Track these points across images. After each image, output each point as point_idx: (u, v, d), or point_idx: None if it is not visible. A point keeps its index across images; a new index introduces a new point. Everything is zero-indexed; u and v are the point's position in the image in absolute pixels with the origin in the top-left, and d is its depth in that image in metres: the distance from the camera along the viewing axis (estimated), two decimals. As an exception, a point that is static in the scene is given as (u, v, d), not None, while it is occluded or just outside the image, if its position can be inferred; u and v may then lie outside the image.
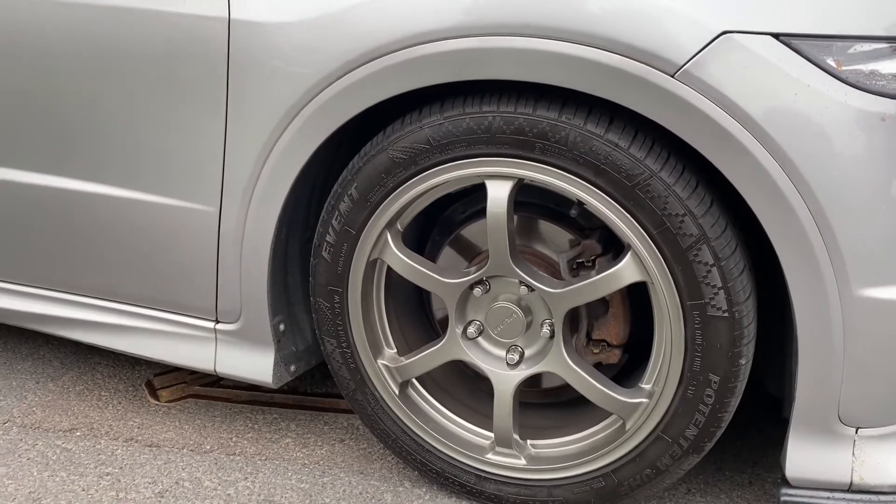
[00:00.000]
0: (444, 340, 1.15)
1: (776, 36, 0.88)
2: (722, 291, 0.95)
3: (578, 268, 1.10)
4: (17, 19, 1.20)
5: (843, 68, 0.88)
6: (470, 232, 1.20)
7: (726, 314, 0.96)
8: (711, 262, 0.95)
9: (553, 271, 1.12)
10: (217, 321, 1.30)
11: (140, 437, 1.44)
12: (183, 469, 1.33)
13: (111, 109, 1.19)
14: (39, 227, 1.33)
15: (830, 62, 0.88)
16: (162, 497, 1.26)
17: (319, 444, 1.41)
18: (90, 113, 1.21)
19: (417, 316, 1.29)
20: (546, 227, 1.14)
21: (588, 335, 1.14)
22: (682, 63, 0.88)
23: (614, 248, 1.09)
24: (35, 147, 1.27)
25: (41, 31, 1.19)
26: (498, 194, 1.03)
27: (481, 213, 1.09)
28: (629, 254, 1.00)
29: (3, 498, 1.27)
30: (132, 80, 1.16)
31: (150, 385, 1.63)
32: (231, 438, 1.43)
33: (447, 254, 1.22)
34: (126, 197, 1.24)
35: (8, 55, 1.23)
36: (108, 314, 1.39)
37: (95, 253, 1.32)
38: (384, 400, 1.20)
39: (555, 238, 1.14)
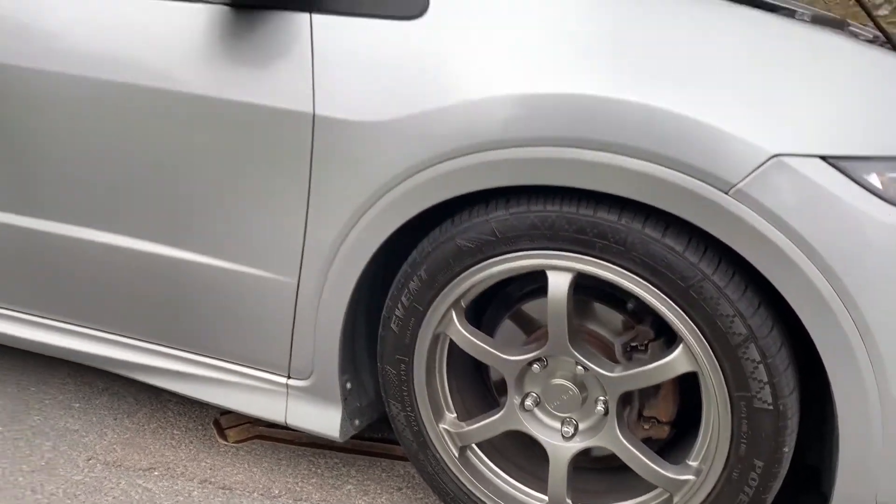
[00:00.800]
0: (502, 411, 1.24)
1: (823, 158, 0.95)
2: (767, 386, 1.03)
3: (632, 351, 1.18)
4: (136, 108, 1.31)
5: (887, 188, 0.95)
6: (530, 308, 1.28)
7: (771, 407, 1.04)
8: (758, 359, 1.02)
9: (608, 351, 1.20)
10: (289, 377, 1.40)
11: (213, 479, 1.55)
12: (255, 513, 1.45)
13: (205, 189, 1.30)
14: (141, 287, 1.44)
15: (874, 182, 0.95)
16: (238, 542, 1.37)
17: (379, 491, 1.51)
18: (189, 191, 1.32)
19: (476, 381, 1.38)
20: (603, 309, 1.22)
21: (640, 412, 1.22)
22: (736, 182, 0.96)
23: (666, 334, 1.16)
24: (144, 218, 1.38)
25: (155, 116, 1.30)
26: (558, 284, 1.12)
27: (541, 291, 1.17)
28: (681, 346, 1.07)
29: (93, 536, 1.39)
30: (227, 163, 1.26)
31: (217, 424, 1.75)
32: (297, 483, 1.54)
33: (506, 326, 1.31)
34: (214, 265, 1.34)
35: (128, 140, 1.34)
36: (190, 365, 1.50)
37: (184, 311, 1.43)
38: (444, 461, 1.30)
39: (611, 320, 1.22)
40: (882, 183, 0.95)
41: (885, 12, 4.51)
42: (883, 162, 0.96)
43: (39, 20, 1.38)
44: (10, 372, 1.95)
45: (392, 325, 1.25)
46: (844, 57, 1.04)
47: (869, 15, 1.34)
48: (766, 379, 1.03)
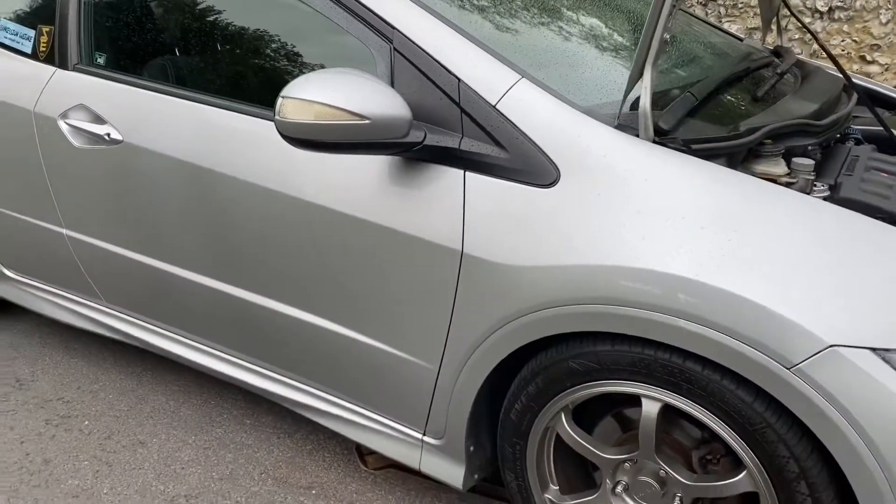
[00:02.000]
0: (597, 493, 1.55)
1: (873, 350, 1.18)
2: (814, 515, 1.29)
3: (707, 462, 1.46)
4: (326, 225, 1.67)
5: (926, 378, 1.17)
6: (628, 411, 1.56)
7: (816, 531, 1.29)
8: (807, 492, 1.28)
9: (688, 458, 1.48)
10: (424, 434, 1.76)
11: (357, 502, 1.94)
12: (392, 538, 1.83)
13: (375, 291, 1.65)
14: (323, 351, 1.82)
15: (916, 372, 1.18)
16: (380, 562, 1.76)
17: (490, 529, 1.86)
18: (365, 291, 1.67)
19: (578, 460, 1.68)
20: (688, 425, 1.49)
21: (709, 508, 1.50)
22: (797, 362, 1.21)
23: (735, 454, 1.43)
24: (331, 304, 1.75)
25: (340, 233, 1.66)
26: (650, 410, 1.40)
27: (637, 400, 1.46)
28: (745, 471, 1.34)
29: (270, 541, 1.82)
30: (395, 276, 1.60)
31: (359, 450, 2.14)
32: (424, 514, 1.91)
33: (606, 421, 1.60)
34: (379, 346, 1.70)
35: (293, 242, 1.72)
36: (343, 410, 1.89)
37: (350, 372, 1.81)
38: (547, 524, 1.63)
39: (693, 434, 1.49)
40: (923, 370, 1.18)
41: (885, 20, 4.33)
42: (925, 355, 1.18)
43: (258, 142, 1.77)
44: (195, 386, 2.42)
45: (511, 415, 1.58)
46: (888, 247, 1.25)
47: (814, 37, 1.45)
48: (812, 509, 1.28)
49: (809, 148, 1.72)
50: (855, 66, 5.11)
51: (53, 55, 2.16)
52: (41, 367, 2.53)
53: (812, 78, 2.04)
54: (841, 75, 1.66)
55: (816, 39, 1.47)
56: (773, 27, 2.46)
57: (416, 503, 1.94)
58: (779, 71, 2.03)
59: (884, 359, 1.18)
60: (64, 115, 2.08)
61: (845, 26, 4.99)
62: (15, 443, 2.16)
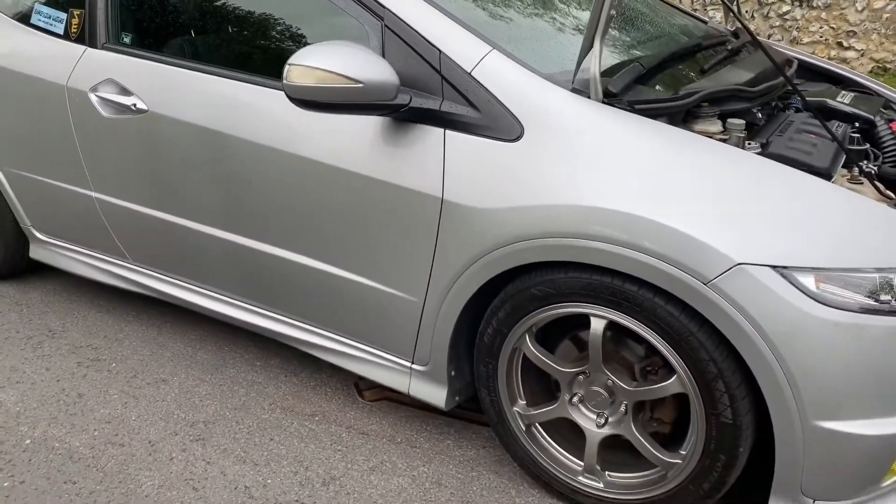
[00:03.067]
0: (556, 404, 1.82)
1: (773, 267, 1.45)
2: (730, 409, 1.55)
3: (647, 373, 1.72)
4: (322, 177, 1.94)
5: (817, 290, 1.44)
6: (582, 334, 1.83)
7: (732, 422, 1.56)
8: (724, 390, 1.55)
9: (630, 371, 1.75)
10: (412, 362, 2.03)
11: (355, 426, 2.22)
12: (384, 453, 2.10)
13: (364, 235, 1.92)
14: (317, 291, 2.10)
15: (810, 286, 1.44)
16: (373, 471, 2.03)
17: (469, 446, 2.13)
18: (353, 234, 1.95)
19: (541, 377, 1.95)
20: (632, 343, 1.76)
21: (651, 412, 1.77)
22: (712, 278, 1.47)
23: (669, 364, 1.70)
24: (324, 247, 2.02)
25: (336, 184, 1.93)
26: (597, 327, 1.67)
27: (589, 324, 1.72)
28: (675, 376, 1.61)
29: (278, 457, 2.09)
30: (383, 220, 1.87)
31: (357, 386, 2.41)
32: (413, 435, 2.18)
33: (566, 344, 1.87)
34: (368, 283, 1.97)
35: (299, 196, 1.99)
36: (341, 344, 2.16)
37: (344, 309, 2.08)
38: (515, 433, 1.90)
39: (634, 349, 1.76)
40: (814, 285, 1.44)
41: (861, 7, 4.57)
42: (815, 271, 1.44)
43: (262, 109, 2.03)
44: (210, 335, 2.70)
45: (485, 339, 1.84)
46: (799, 190, 1.52)
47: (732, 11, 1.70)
48: (728, 403, 1.55)
49: (759, 115, 1.98)
50: (832, 52, 5.36)
51: (84, 35, 2.43)
52: (71, 320, 2.81)
53: (756, 53, 2.29)
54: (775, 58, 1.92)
55: (739, 18, 1.71)
56: (735, 8, 2.71)
57: (406, 426, 2.22)
58: (729, 48, 2.29)
59: (782, 275, 1.45)
60: (94, 89, 2.35)
61: (823, 14, 5.24)
62: (52, 381, 2.43)
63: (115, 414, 2.27)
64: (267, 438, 2.16)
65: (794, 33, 5.28)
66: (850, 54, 5.17)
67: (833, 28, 5.25)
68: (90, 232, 2.63)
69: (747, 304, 1.46)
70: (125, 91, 2.29)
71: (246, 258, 2.22)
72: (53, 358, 2.56)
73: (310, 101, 1.69)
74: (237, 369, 2.50)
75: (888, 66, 5.02)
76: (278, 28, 2.12)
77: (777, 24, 5.33)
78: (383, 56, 1.83)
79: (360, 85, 1.66)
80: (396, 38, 1.82)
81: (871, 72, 5.01)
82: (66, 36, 2.48)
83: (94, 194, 2.51)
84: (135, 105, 2.26)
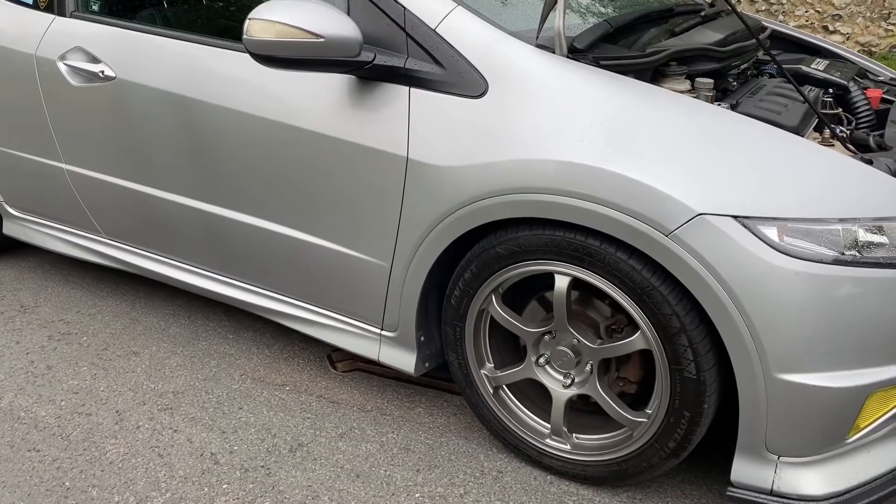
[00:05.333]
0: (523, 365, 1.80)
1: (735, 217, 1.43)
2: (693, 363, 1.53)
3: (612, 331, 1.71)
4: (286, 139, 1.92)
5: (779, 241, 1.42)
6: (549, 294, 1.81)
7: (695, 377, 1.54)
8: (687, 344, 1.53)
9: (596, 330, 1.73)
10: (382, 329, 2.01)
11: (326, 396, 2.20)
12: (353, 420, 2.08)
13: (328, 197, 1.90)
14: (284, 258, 2.08)
15: (771, 235, 1.42)
16: (342, 438, 2.01)
17: (440, 414, 2.11)
18: (317, 196, 1.93)
19: (510, 340, 1.93)
20: (596, 301, 1.74)
21: (617, 372, 1.75)
22: (673, 229, 1.45)
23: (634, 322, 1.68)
24: (287, 211, 2.00)
25: (299, 144, 1.90)
26: (561, 284, 1.65)
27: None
28: (639, 332, 1.59)
29: (246, 425, 2.06)
30: (347, 182, 1.85)
31: (330, 358, 2.39)
32: (383, 403, 2.16)
33: (533, 305, 1.85)
34: (334, 248, 1.95)
35: (266, 160, 1.96)
36: (311, 313, 2.14)
37: (311, 277, 2.06)
38: (483, 396, 1.88)
39: (599, 308, 1.74)
40: (777, 236, 1.43)
41: None
42: (778, 221, 1.43)
43: (222, 67, 2.01)
44: (183, 309, 2.67)
45: (452, 301, 1.83)
46: (764, 142, 1.50)
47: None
48: (692, 358, 1.53)
49: (732, 81, 1.96)
50: (818, 36, 5.36)
51: (52, 4, 2.40)
52: (44, 295, 2.78)
53: (727, 17, 2.28)
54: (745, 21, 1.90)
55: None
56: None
57: (377, 395, 2.20)
58: (703, 15, 2.27)
59: (744, 225, 1.43)
60: (62, 57, 2.32)
61: (808, -3, 5.23)
62: (21, 354, 2.41)
63: (83, 385, 2.25)
64: (236, 407, 2.14)
65: (780, 17, 5.27)
66: (835, 38, 5.17)
67: (818, 12, 5.24)
68: (62, 206, 2.60)
69: (709, 255, 1.44)
70: (94, 59, 2.26)
71: (215, 227, 2.19)
72: (24, 332, 2.54)
73: (270, 56, 1.67)
74: (209, 342, 2.48)
75: (873, 49, 5.02)
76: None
77: (763, 7, 5.32)
78: (348, 13, 1.80)
79: (322, 40, 1.64)
80: (360, -5, 1.80)
81: (856, 55, 5.00)
82: (34, 5, 2.46)
83: (64, 166, 2.49)
84: (102, 72, 2.24)
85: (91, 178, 2.43)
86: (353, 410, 2.12)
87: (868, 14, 5.07)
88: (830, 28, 5.20)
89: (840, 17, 5.18)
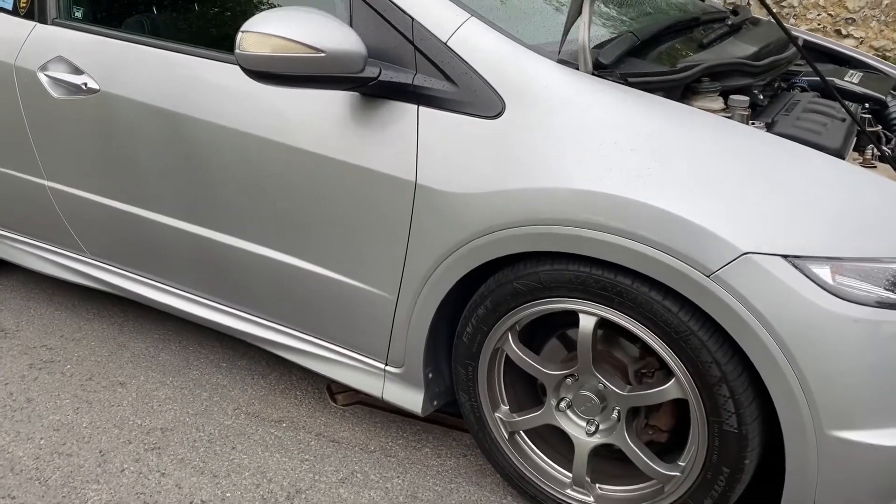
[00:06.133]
0: (542, 409, 1.65)
1: (785, 256, 1.28)
2: (734, 416, 1.38)
3: (643, 376, 1.55)
4: (288, 161, 1.76)
5: (832, 283, 1.27)
6: (572, 332, 1.66)
7: (736, 431, 1.39)
8: (728, 395, 1.38)
9: (624, 373, 1.58)
10: (386, 364, 1.86)
11: (326, 433, 2.04)
12: (356, 463, 1.92)
13: (332, 223, 1.74)
14: (284, 286, 1.92)
15: (825, 278, 1.27)
16: (343, 483, 1.85)
17: (449, 455, 1.96)
18: (321, 222, 1.77)
19: (527, 381, 1.78)
20: (624, 341, 1.59)
21: (646, 420, 1.60)
22: (715, 269, 1.30)
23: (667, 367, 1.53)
24: (288, 238, 1.84)
25: (301, 167, 1.75)
26: (586, 324, 1.50)
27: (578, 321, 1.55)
28: (674, 379, 1.44)
29: (239, 468, 1.91)
30: (351, 207, 1.69)
31: (329, 389, 2.24)
32: (388, 443, 2.01)
33: (553, 343, 1.70)
34: (337, 278, 1.79)
35: (262, 182, 1.81)
36: (310, 345, 1.98)
37: (313, 306, 1.90)
38: (497, 441, 1.72)
39: (628, 350, 1.59)
40: (830, 277, 1.27)
41: None
42: (832, 261, 1.28)
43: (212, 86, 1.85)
44: (174, 334, 2.52)
45: (464, 338, 1.67)
46: (811, 170, 1.35)
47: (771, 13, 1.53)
48: (733, 410, 1.38)
49: (760, 95, 1.81)
50: (829, 39, 5.21)
51: (33, 10, 2.24)
52: (26, 318, 2.62)
53: (759, 27, 2.13)
54: (782, 31, 1.75)
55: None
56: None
57: (381, 433, 2.04)
58: (729, 23, 2.12)
59: (794, 265, 1.28)
60: (43, 68, 2.16)
61: (821, 0, 5.08)
62: (-1, 384, 2.25)
63: (64, 421, 2.09)
64: (229, 447, 1.98)
65: (792, 20, 5.12)
66: (848, 42, 5.02)
67: (831, 15, 5.09)
68: (45, 224, 2.44)
69: (755, 298, 1.29)
70: (76, 70, 2.11)
71: (207, 251, 2.04)
72: (3, 360, 2.37)
73: (266, 72, 1.51)
74: (201, 371, 2.32)
75: (888, 54, 4.87)
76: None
77: (774, 10, 5.18)
78: (350, 24, 1.65)
79: (322, 54, 1.49)
80: (365, 4, 1.64)
81: (870, 61, 4.85)
82: (14, 11, 2.30)
83: (46, 183, 2.33)
84: (85, 84, 2.08)
85: (74, 196, 2.27)
86: (355, 451, 1.97)
87: (883, 18, 4.92)
88: (843, 32, 5.05)
89: (854, 20, 5.03)
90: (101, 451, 1.96)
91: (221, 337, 2.47)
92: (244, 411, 2.13)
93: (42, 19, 2.22)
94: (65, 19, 2.20)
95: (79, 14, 2.21)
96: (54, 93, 2.15)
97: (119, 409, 2.14)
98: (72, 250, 2.45)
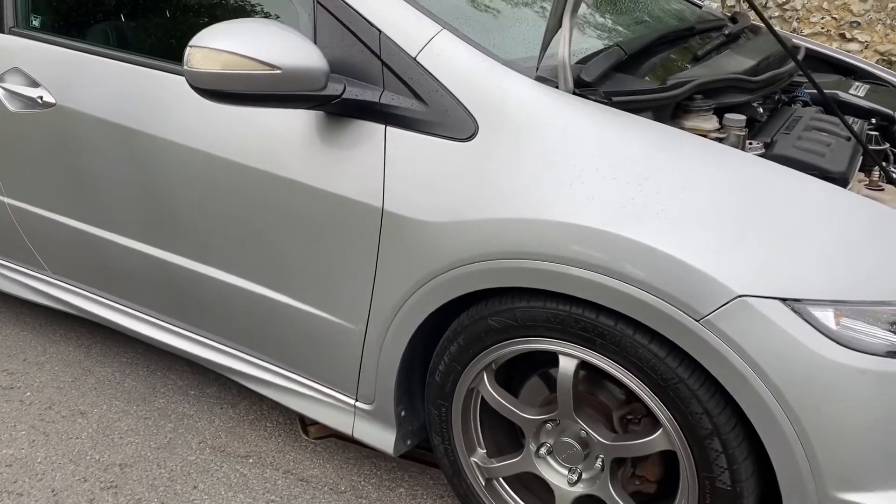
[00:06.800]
0: (521, 456, 1.52)
1: (783, 300, 1.15)
2: (727, 472, 1.25)
3: (629, 422, 1.42)
4: (249, 183, 1.64)
5: (836, 329, 1.14)
6: (554, 370, 1.52)
7: (730, 488, 1.26)
8: (721, 449, 1.25)
9: (608, 418, 1.45)
10: (356, 400, 1.73)
11: (294, 471, 1.91)
12: (324, 505, 1.80)
13: (296, 249, 1.62)
14: (249, 314, 1.79)
15: (827, 323, 1.14)
16: (309, 528, 1.73)
17: (425, 497, 1.83)
18: (284, 249, 1.64)
19: (506, 422, 1.65)
20: (609, 384, 1.46)
21: (633, 469, 1.47)
22: (706, 314, 1.17)
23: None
24: (252, 264, 1.71)
25: (262, 190, 1.62)
26: (566, 367, 1.37)
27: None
28: (661, 430, 1.31)
29: (201, 508, 1.79)
30: (314, 233, 1.57)
31: (302, 420, 2.11)
32: (360, 482, 1.88)
33: (533, 382, 1.57)
34: (303, 308, 1.66)
35: (224, 205, 1.68)
36: (279, 377, 1.85)
37: (279, 336, 1.77)
38: (473, 487, 1.60)
39: (613, 392, 1.46)
40: (833, 322, 1.14)
41: None
42: (836, 304, 1.14)
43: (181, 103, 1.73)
44: (142, 358, 2.39)
45: (436, 377, 1.54)
46: (813, 203, 1.22)
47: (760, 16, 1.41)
48: (726, 465, 1.25)
49: (760, 109, 1.68)
50: (834, 44, 5.06)
51: (-10, 19, 2.12)
52: (-11, 339, 2.50)
53: (758, 38, 2.00)
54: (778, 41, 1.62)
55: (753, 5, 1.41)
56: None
57: (353, 471, 1.92)
58: (727, 33, 1.99)
59: (794, 310, 1.15)
60: (0, 80, 2.04)
61: (825, 3, 4.94)
62: (-46, 413, 2.13)
63: (18, 455, 1.96)
64: (190, 486, 1.85)
65: (794, 24, 4.99)
66: (853, 46, 4.88)
67: (835, 18, 4.95)
68: (6, 241, 2.32)
69: (750, 345, 1.16)
70: (33, 82, 1.98)
71: (170, 275, 1.91)
72: (-39, 385, 2.25)
73: (216, 91, 1.39)
74: (168, 399, 2.20)
75: (893, 58, 4.73)
76: (197, 8, 1.82)
77: (776, 14, 5.04)
78: (315, 40, 1.52)
79: (278, 71, 1.36)
80: (329, 15, 1.51)
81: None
82: (-29, 19, 2.17)
83: (6, 199, 2.21)
84: (41, 98, 1.95)
85: (33, 213, 2.15)
86: (324, 492, 1.84)
87: (888, 21, 4.78)
88: (848, 36, 4.90)
89: (858, 24, 4.89)
90: (53, 490, 1.84)
91: (191, 362, 2.35)
92: (209, 445, 2.00)
93: (-1, 28, 2.10)
94: (22, 28, 2.07)
95: (37, 23, 2.09)
96: (11, 106, 2.02)
97: (77, 442, 2.01)
98: (34, 268, 2.33)
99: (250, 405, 2.17)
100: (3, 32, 2.08)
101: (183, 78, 1.70)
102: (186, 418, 2.11)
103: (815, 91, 1.93)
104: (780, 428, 1.17)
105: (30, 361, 2.38)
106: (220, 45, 1.35)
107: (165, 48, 1.85)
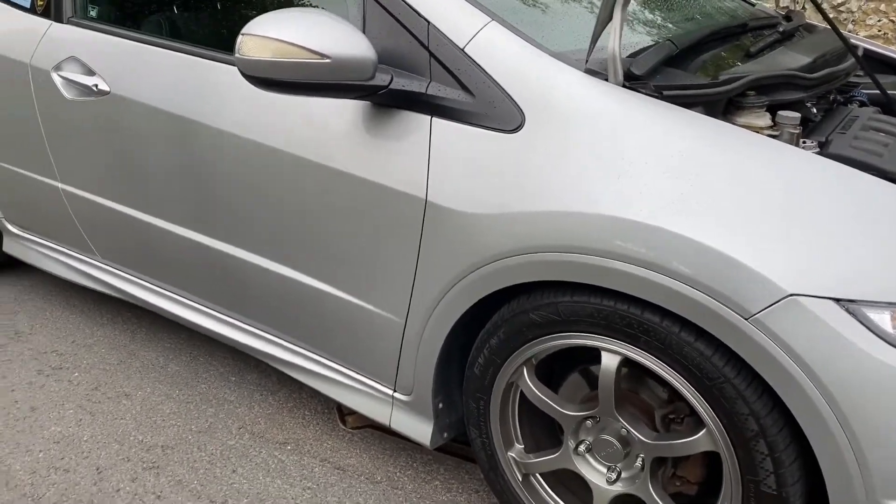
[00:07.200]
0: (559, 452, 1.51)
1: (836, 300, 1.12)
2: (773, 475, 1.22)
3: (671, 421, 1.40)
4: (296, 172, 1.65)
5: (892, 332, 1.10)
6: (595, 367, 1.51)
7: (775, 493, 1.23)
8: (767, 452, 1.22)
9: (650, 417, 1.42)
10: (395, 390, 1.73)
11: (331, 459, 1.93)
12: (360, 495, 1.81)
13: (339, 240, 1.63)
14: (295, 303, 1.80)
15: (883, 325, 1.10)
16: (345, 516, 1.74)
17: (460, 491, 1.83)
18: (327, 239, 1.66)
19: (545, 417, 1.63)
20: (652, 382, 1.44)
21: (673, 469, 1.44)
22: (755, 312, 1.14)
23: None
24: (298, 255, 1.73)
25: (308, 179, 1.64)
26: (608, 363, 1.35)
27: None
28: (704, 430, 1.28)
29: (238, 494, 1.81)
30: (349, 222, 1.58)
31: (339, 410, 2.13)
32: (396, 473, 1.88)
33: (573, 378, 1.55)
34: (345, 297, 1.68)
35: (270, 193, 1.70)
36: (319, 366, 1.87)
37: (315, 324, 1.79)
38: (510, 482, 1.59)
39: (655, 390, 1.44)
40: (890, 325, 1.11)
41: None
42: (892, 307, 1.11)
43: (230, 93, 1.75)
44: (185, 344, 2.44)
45: (475, 369, 1.54)
46: (870, 200, 1.18)
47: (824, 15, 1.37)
48: (772, 469, 1.22)
49: (813, 109, 1.64)
50: (893, 47, 4.92)
51: (50, 8, 2.18)
52: (40, 321, 2.57)
53: (813, 35, 1.94)
54: (840, 39, 1.58)
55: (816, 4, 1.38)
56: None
57: (389, 462, 1.92)
58: (781, 30, 1.94)
59: (847, 310, 1.11)
60: (57, 68, 2.10)
61: (882, 5, 4.80)
62: (5, 391, 2.19)
63: (65, 433, 2.02)
64: (229, 470, 1.88)
65: (850, 27, 4.85)
66: (911, 50, 4.73)
67: (893, 21, 4.80)
68: (59, 226, 2.38)
69: (800, 346, 1.13)
70: (88, 70, 2.03)
71: (216, 261, 1.94)
72: (13, 364, 2.32)
73: (266, 78, 1.40)
74: (209, 384, 2.23)
75: (954, 63, 4.57)
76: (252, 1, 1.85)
77: (831, 16, 4.90)
78: (364, 30, 1.53)
79: (327, 60, 1.37)
80: (378, 6, 1.52)
81: (934, 70, 4.56)
82: (32, 9, 2.24)
83: (60, 185, 2.27)
84: (96, 86, 2.00)
85: (86, 199, 2.20)
86: (361, 481, 1.85)
87: (949, 24, 4.62)
88: (906, 39, 4.75)
89: (917, 27, 4.73)
90: (98, 468, 1.88)
91: (233, 348, 2.38)
92: (249, 430, 2.03)
93: (58, 18, 2.16)
94: (80, 18, 2.13)
95: (94, 13, 2.14)
96: (67, 94, 2.08)
97: (122, 423, 2.06)
98: (85, 253, 2.39)
99: (289, 393, 2.19)
100: (61, 22, 2.15)
101: (234, 68, 1.73)
102: (227, 404, 2.14)
103: (874, 91, 1.87)
104: (830, 432, 1.14)
105: (78, 343, 2.44)
106: (271, 33, 1.37)
107: (218, 38, 1.88)
